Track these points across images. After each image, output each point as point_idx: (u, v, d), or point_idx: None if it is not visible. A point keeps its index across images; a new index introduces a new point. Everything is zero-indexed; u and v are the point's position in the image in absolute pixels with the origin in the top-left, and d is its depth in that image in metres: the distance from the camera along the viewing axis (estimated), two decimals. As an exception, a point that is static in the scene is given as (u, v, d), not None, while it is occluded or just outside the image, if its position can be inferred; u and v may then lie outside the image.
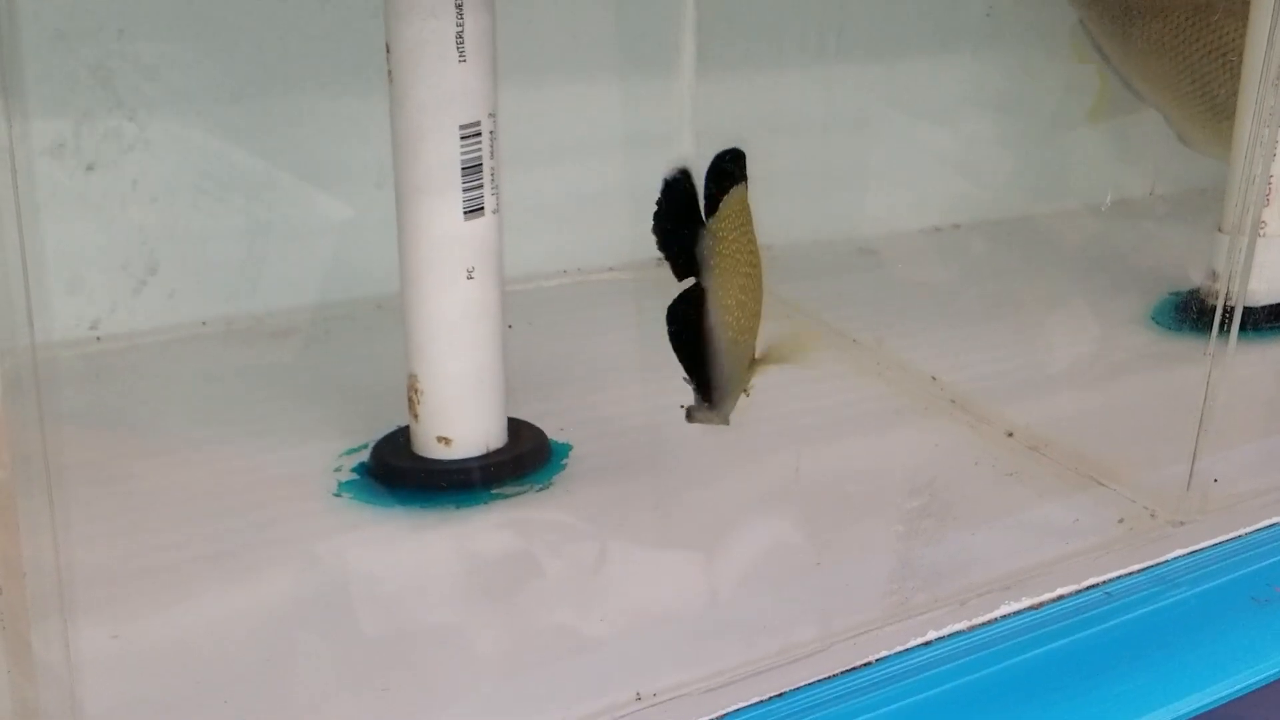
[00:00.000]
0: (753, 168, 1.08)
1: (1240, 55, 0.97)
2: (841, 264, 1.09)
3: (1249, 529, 0.76)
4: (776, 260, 1.10)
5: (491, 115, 0.71)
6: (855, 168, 1.14)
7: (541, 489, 0.75)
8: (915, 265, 1.10)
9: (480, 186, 0.72)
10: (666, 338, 0.95)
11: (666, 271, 1.07)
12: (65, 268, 0.89)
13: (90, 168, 0.88)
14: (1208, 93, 0.99)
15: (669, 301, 1.02)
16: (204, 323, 0.93)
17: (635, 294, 1.03)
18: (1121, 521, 0.75)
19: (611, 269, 1.06)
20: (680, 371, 0.67)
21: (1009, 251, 1.12)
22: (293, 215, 0.95)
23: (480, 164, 0.71)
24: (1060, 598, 0.69)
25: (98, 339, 0.90)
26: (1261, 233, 0.96)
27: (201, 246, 0.93)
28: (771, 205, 1.10)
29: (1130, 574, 0.71)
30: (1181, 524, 0.75)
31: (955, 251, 1.13)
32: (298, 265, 0.96)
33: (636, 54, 1.02)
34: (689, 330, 0.67)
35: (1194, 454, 0.77)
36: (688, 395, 0.86)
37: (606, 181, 1.05)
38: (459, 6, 0.68)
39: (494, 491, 0.74)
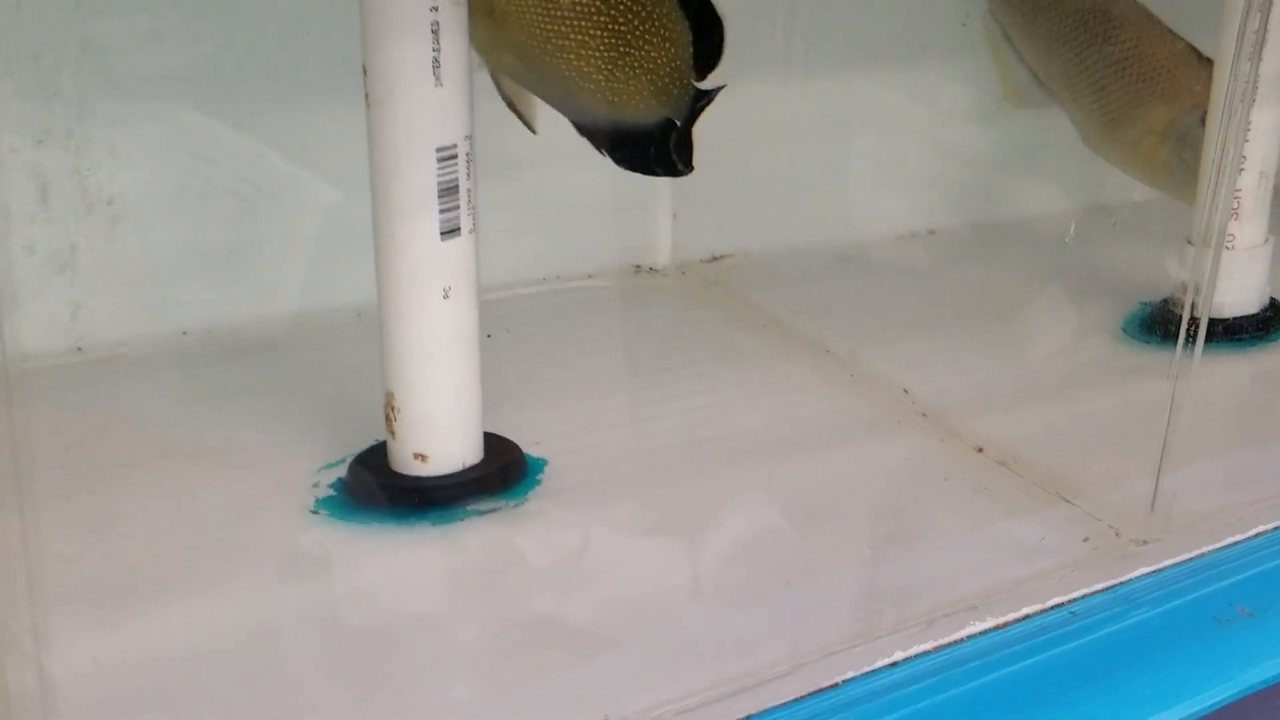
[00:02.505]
0: (730, 175, 1.10)
1: (1136, 66, 0.98)
2: (818, 271, 1.10)
3: (1211, 547, 0.77)
4: (751, 267, 1.11)
5: (468, 137, 0.72)
6: (831, 174, 1.15)
7: (517, 505, 0.76)
8: (891, 272, 1.12)
9: (457, 208, 0.73)
10: (645, 347, 0.97)
11: (645, 279, 1.09)
12: (43, 278, 0.90)
13: (70, 175, 0.88)
14: (1103, 98, 1.00)
15: (647, 309, 1.03)
16: (185, 333, 0.94)
17: (614, 302, 1.04)
18: (1086, 540, 0.76)
19: (590, 276, 1.07)
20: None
21: (983, 258, 1.14)
22: (273, 223, 0.96)
23: (456, 186, 0.72)
24: (1026, 617, 0.70)
25: (79, 349, 0.91)
26: (1229, 246, 0.97)
27: (182, 256, 0.93)
28: (748, 212, 1.12)
29: (1094, 593, 0.72)
30: (1145, 543, 0.76)
31: (931, 257, 1.14)
32: (278, 274, 0.97)
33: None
34: None
35: (1158, 473, 0.78)
36: (661, 406, 0.88)
37: (585, 189, 1.06)
38: (435, 32, 0.69)
39: (469, 508, 0.75)
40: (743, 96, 1.07)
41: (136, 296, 0.93)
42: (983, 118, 1.17)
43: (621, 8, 0.81)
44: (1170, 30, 1.00)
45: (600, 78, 0.82)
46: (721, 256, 1.11)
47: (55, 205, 0.89)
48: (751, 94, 1.09)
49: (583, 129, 0.85)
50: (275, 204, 0.95)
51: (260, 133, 0.93)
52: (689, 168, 0.91)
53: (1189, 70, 0.98)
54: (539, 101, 0.84)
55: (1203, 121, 0.97)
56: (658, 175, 0.88)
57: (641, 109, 0.85)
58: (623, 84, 0.82)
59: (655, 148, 0.86)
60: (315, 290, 0.98)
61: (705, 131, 1.06)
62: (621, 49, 0.81)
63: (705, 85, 0.85)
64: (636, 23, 0.81)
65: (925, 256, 1.14)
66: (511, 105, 0.84)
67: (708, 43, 0.84)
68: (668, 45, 0.82)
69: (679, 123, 0.87)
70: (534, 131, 0.84)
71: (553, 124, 0.98)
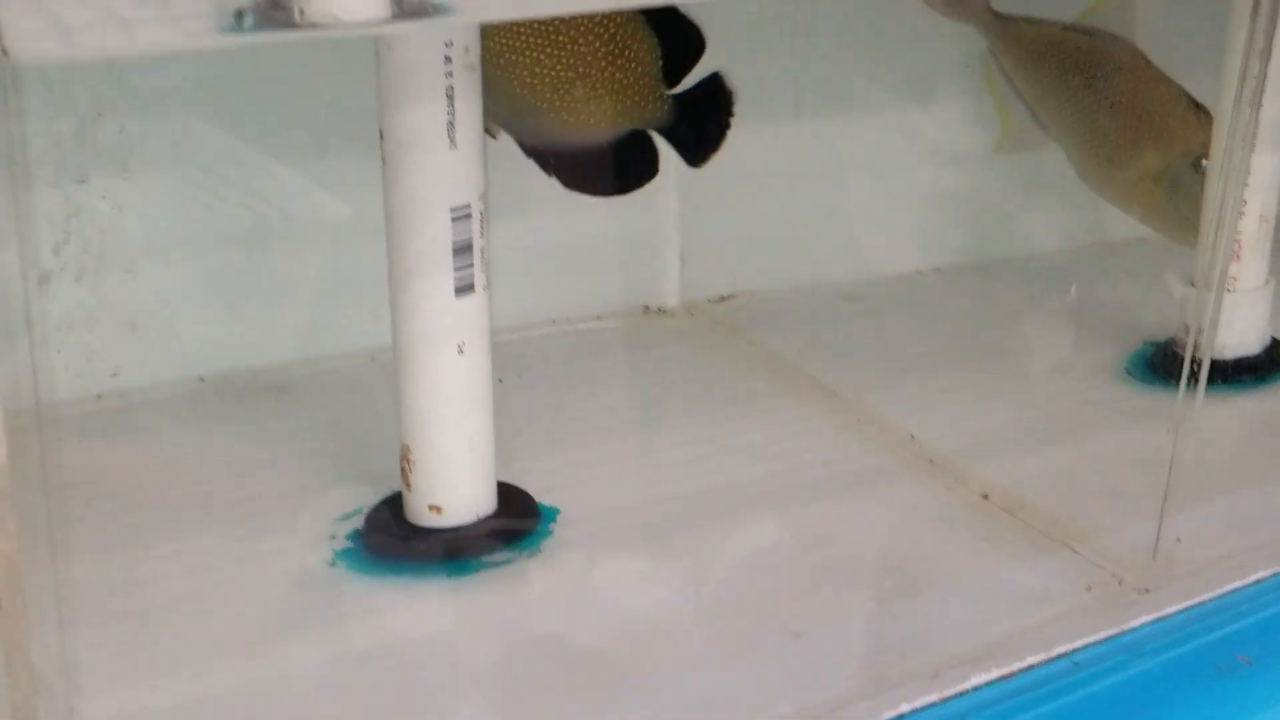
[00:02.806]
0: (737, 215, 1.11)
1: (1132, 109, 1.00)
2: (824, 310, 1.12)
3: (1213, 594, 0.78)
4: (759, 307, 1.13)
5: (482, 196, 0.74)
6: (837, 213, 1.16)
7: (530, 555, 0.78)
8: (896, 311, 1.13)
9: (471, 265, 0.74)
10: (653, 391, 0.98)
11: (654, 320, 1.10)
12: (61, 326, 0.91)
13: (88, 223, 0.90)
14: (1099, 139, 1.01)
15: (656, 351, 1.05)
16: (201, 379, 0.96)
17: (623, 344, 1.06)
18: (1090, 589, 0.77)
19: (599, 317, 1.08)
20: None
21: (988, 296, 1.15)
22: (286, 269, 0.97)
23: (471, 244, 0.74)
24: (1030, 667, 0.71)
25: (98, 396, 0.92)
26: (1231, 288, 0.99)
27: (197, 302, 0.95)
28: (755, 252, 1.13)
29: (1097, 642, 0.73)
30: (1147, 591, 0.77)
31: (937, 296, 1.16)
32: (291, 319, 0.98)
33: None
34: None
35: (1160, 520, 0.80)
36: (670, 452, 0.89)
37: (593, 230, 1.07)
38: (450, 96, 0.71)
39: (484, 560, 0.76)
40: (750, 137, 1.09)
41: (153, 343, 0.94)
42: (986, 157, 1.18)
43: (579, 31, 0.82)
44: (1166, 76, 1.01)
45: (555, 98, 0.84)
46: (730, 296, 1.12)
47: (71, 254, 0.90)
48: (758, 135, 1.10)
49: (529, 149, 0.86)
50: (288, 250, 0.97)
51: (274, 181, 0.95)
52: (701, 162, 0.92)
53: (1183, 115, 1.00)
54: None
55: (1195, 166, 0.98)
56: (609, 194, 0.89)
57: (605, 127, 0.87)
58: (582, 104, 0.83)
59: (617, 162, 0.87)
60: (328, 335, 0.99)
61: (711, 173, 1.08)
62: (580, 70, 0.83)
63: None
64: (598, 45, 0.83)
65: (930, 295, 1.16)
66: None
67: (683, 49, 0.86)
68: (633, 64, 0.83)
69: (661, 133, 0.89)
70: (494, 137, 0.85)
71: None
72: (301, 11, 0.49)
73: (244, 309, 0.97)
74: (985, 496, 0.85)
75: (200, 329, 0.96)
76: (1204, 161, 0.98)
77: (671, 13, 0.85)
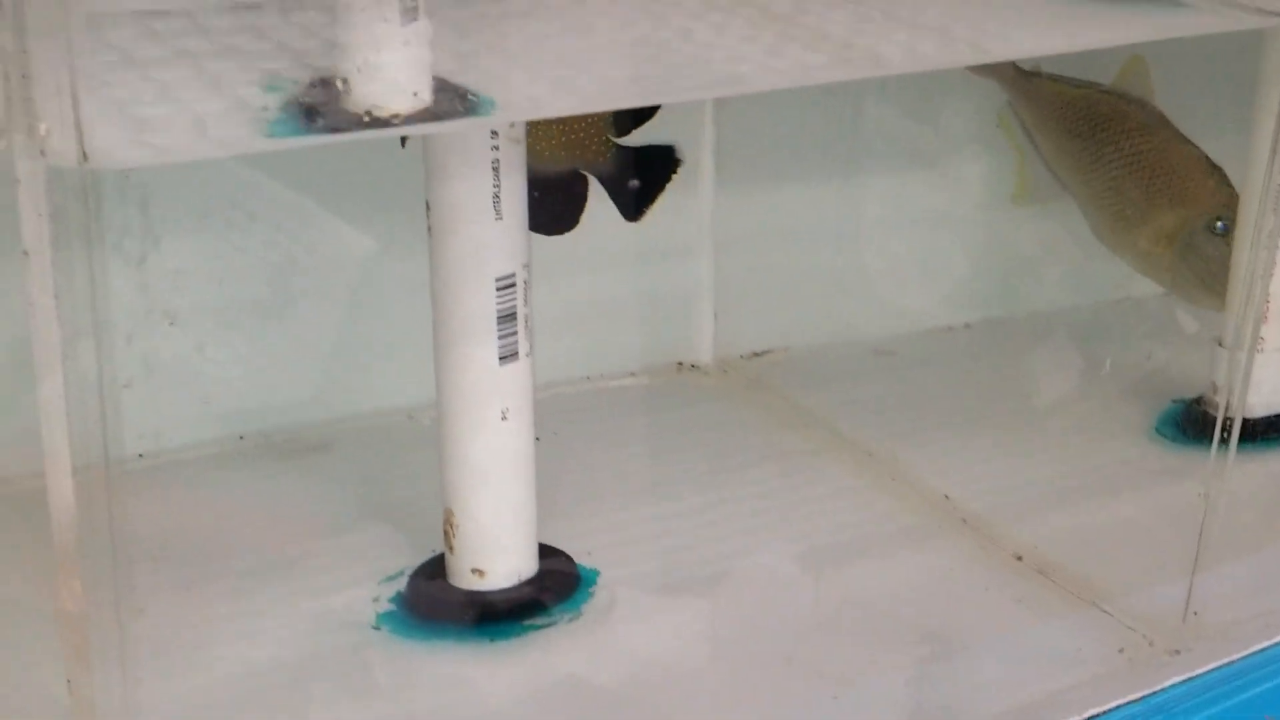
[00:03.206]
0: (770, 272, 1.12)
1: (1149, 168, 1.01)
2: (856, 366, 1.12)
3: (1243, 654, 0.79)
4: (792, 363, 1.14)
5: (525, 265, 0.75)
6: (869, 269, 1.17)
7: (572, 619, 0.79)
8: (928, 367, 1.13)
9: (515, 333, 0.75)
10: (688, 450, 0.99)
11: (688, 376, 1.11)
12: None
13: (131, 287, 0.91)
14: (1115, 196, 1.02)
15: (690, 409, 1.06)
16: (241, 437, 0.97)
17: (657, 401, 1.07)
18: (1122, 651, 0.78)
19: (633, 374, 1.09)
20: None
21: (1018, 353, 1.15)
22: (324, 326, 0.98)
23: (515, 312, 0.75)
24: (1064, 730, 0.72)
25: (139, 456, 0.93)
26: (1260, 348, 0.99)
27: (237, 362, 0.96)
28: (788, 308, 1.15)
29: (1128, 704, 0.74)
30: (1178, 652, 0.78)
31: (968, 352, 1.16)
32: (331, 376, 0.99)
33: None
34: None
35: (1190, 581, 0.81)
36: (706, 512, 0.90)
37: (626, 286, 1.08)
38: (496, 169, 0.72)
39: (525, 623, 0.78)
40: (781, 195, 1.10)
41: (193, 402, 0.96)
42: (1016, 213, 1.19)
43: None
44: (1185, 137, 1.02)
45: None
46: (763, 353, 1.13)
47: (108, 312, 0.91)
48: (790, 193, 1.11)
49: None
50: (328, 308, 0.98)
51: (315, 244, 0.96)
52: (635, 216, 0.93)
53: (1201, 177, 1.01)
54: None
55: (1211, 227, 0.99)
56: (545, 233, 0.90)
57: (542, 159, 0.87)
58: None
59: (544, 199, 0.87)
60: (367, 393, 1.01)
61: (745, 230, 1.10)
62: None
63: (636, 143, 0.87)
64: None
65: (961, 351, 1.17)
66: None
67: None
68: None
69: (599, 178, 0.90)
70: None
71: (594, 222, 1.01)
72: (369, 113, 0.51)
73: (284, 367, 0.98)
74: (1019, 557, 0.86)
75: (240, 387, 0.97)
76: (1220, 223, 0.99)
77: None
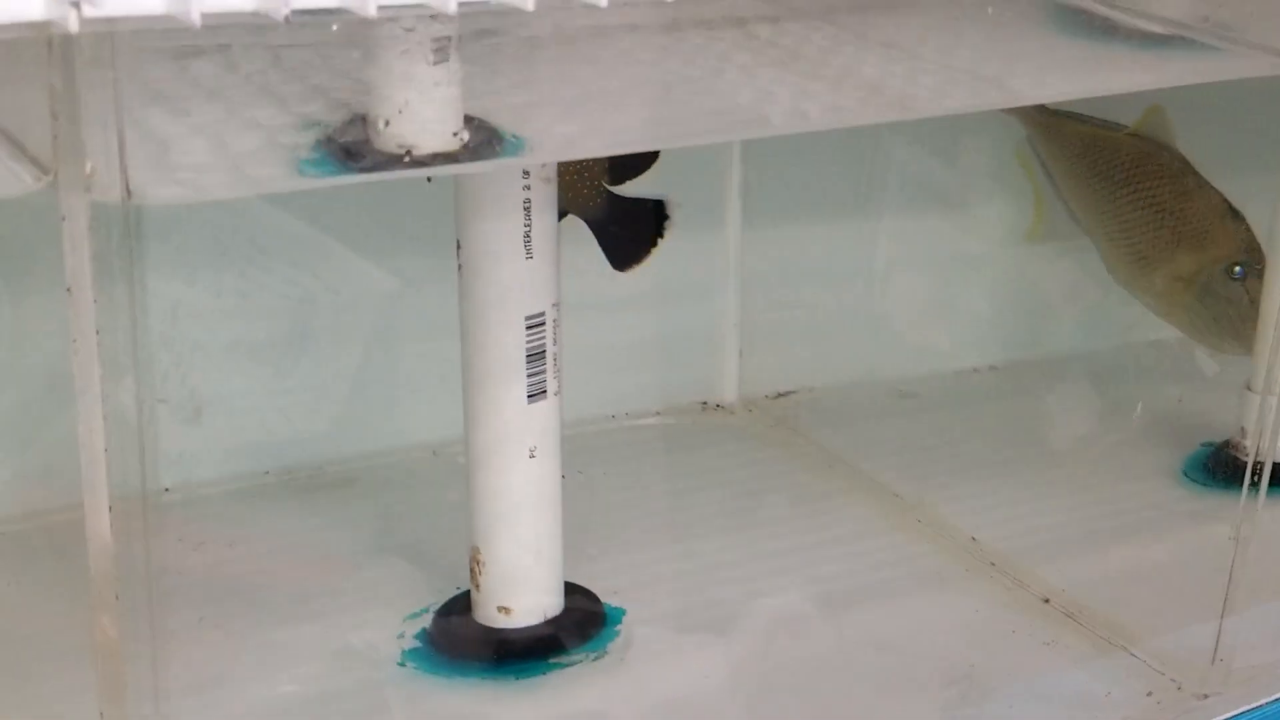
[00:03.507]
0: (795, 311, 1.12)
1: (1170, 212, 1.01)
2: (882, 408, 1.12)
3: (1270, 698, 0.78)
4: (817, 403, 1.14)
5: (555, 305, 0.75)
6: (893, 310, 1.17)
7: (598, 658, 0.79)
8: (952, 409, 1.13)
9: (543, 372, 0.75)
10: (714, 489, 0.99)
11: (713, 416, 1.11)
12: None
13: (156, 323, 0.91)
14: (1133, 238, 1.02)
15: (715, 449, 1.05)
16: (266, 472, 0.97)
17: (681, 440, 1.06)
18: (1150, 695, 0.78)
19: (658, 413, 1.09)
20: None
21: (1044, 395, 1.15)
22: (348, 362, 0.98)
23: (544, 351, 0.75)
24: (1093, 775, 0.72)
25: (165, 490, 0.93)
26: (1290, 392, 0.99)
27: (261, 396, 0.96)
28: (813, 348, 1.14)
29: (1158, 748, 0.74)
30: (1206, 696, 0.78)
31: (993, 394, 1.16)
32: (356, 412, 0.99)
33: (687, 208, 1.05)
34: None
35: (1219, 625, 0.80)
36: (732, 553, 0.90)
37: (651, 325, 1.08)
38: (527, 208, 0.72)
39: (551, 662, 0.77)
40: (807, 235, 1.10)
41: (219, 436, 0.96)
42: (1042, 254, 1.19)
43: None
44: (1206, 181, 1.02)
45: None
46: (788, 393, 1.13)
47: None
48: (815, 233, 1.11)
49: None
50: (352, 345, 0.98)
51: (340, 280, 0.96)
52: (624, 268, 0.93)
53: (1220, 221, 1.01)
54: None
55: (1229, 272, 0.99)
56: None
57: None
58: None
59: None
60: (391, 429, 1.01)
61: (771, 270, 1.10)
62: None
63: (632, 193, 0.87)
64: None
65: (986, 393, 1.16)
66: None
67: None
68: None
69: (589, 224, 0.89)
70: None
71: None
72: (409, 153, 0.51)
73: (309, 403, 0.98)
74: (1046, 600, 0.86)
75: (265, 422, 0.97)
76: (1238, 268, 0.99)
77: None
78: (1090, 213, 1.07)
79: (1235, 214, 1.01)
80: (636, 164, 0.90)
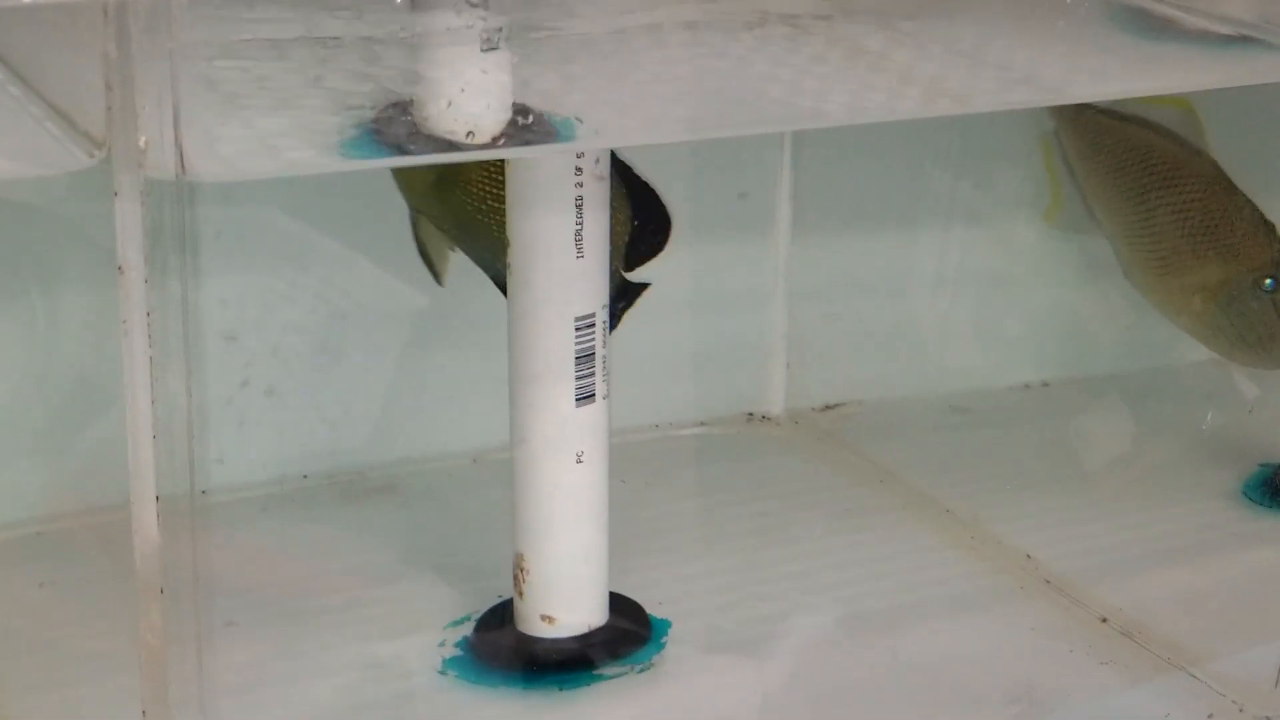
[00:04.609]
0: (844, 324, 1.10)
1: (1198, 218, 0.98)
2: (933, 423, 1.10)
3: (1332, 720, 0.76)
4: (865, 417, 1.12)
5: (605, 306, 0.73)
6: (944, 323, 1.15)
7: (642, 670, 0.77)
8: (1005, 425, 1.11)
9: (592, 374, 0.74)
10: (760, 502, 0.97)
11: (759, 428, 1.09)
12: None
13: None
14: (1158, 242, 1.00)
15: (761, 461, 1.04)
16: (305, 476, 0.95)
17: (727, 452, 1.05)
18: (1210, 716, 0.76)
19: (703, 424, 1.07)
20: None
21: (1099, 412, 1.13)
22: (389, 368, 0.97)
23: (593, 353, 0.73)
24: (1154, 797, 0.70)
25: (203, 493, 0.92)
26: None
27: (301, 400, 0.95)
28: (862, 361, 1.13)
29: (1219, 771, 0.72)
30: (1269, 718, 0.76)
31: (1046, 411, 1.14)
32: (396, 419, 0.98)
33: (734, 218, 1.04)
34: None
35: (1281, 648, 0.78)
36: (780, 566, 0.88)
37: (697, 336, 1.07)
38: (579, 205, 0.70)
39: (595, 672, 0.75)
40: (857, 247, 1.08)
41: (258, 440, 0.94)
42: (1098, 269, 1.17)
43: None
44: (1237, 188, 1.00)
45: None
46: (835, 405, 1.11)
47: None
48: (867, 242, 1.10)
49: (489, 273, 0.85)
50: (393, 350, 0.97)
51: (383, 284, 0.95)
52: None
53: (1251, 231, 0.98)
54: (452, 256, 0.85)
55: (1256, 284, 0.97)
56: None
57: None
58: None
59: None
60: (432, 436, 0.99)
61: (821, 280, 1.08)
62: None
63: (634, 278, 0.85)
64: None
65: (1039, 409, 1.14)
66: (424, 252, 0.86)
67: (651, 239, 0.85)
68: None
69: None
70: (441, 284, 0.87)
71: (665, 268, 0.99)
72: (468, 135, 0.49)
73: (349, 408, 0.96)
74: (1104, 619, 0.84)
75: (305, 427, 0.96)
76: (1269, 280, 0.96)
77: (652, 199, 0.84)
78: (1111, 212, 1.04)
79: (1268, 225, 0.98)
80: (647, 251, 0.88)
